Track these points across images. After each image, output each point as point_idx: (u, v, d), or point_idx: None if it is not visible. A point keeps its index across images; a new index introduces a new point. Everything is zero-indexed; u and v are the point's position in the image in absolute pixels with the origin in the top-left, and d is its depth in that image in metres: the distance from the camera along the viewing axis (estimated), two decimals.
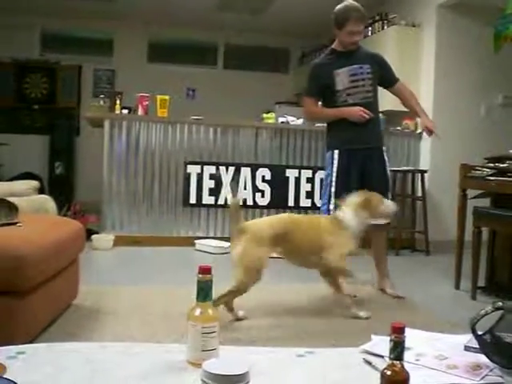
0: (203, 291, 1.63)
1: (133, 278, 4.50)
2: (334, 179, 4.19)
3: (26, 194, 4.08)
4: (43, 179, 8.57)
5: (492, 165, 4.23)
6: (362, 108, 4.10)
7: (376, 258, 4.41)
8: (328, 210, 4.18)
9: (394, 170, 6.42)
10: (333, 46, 4.31)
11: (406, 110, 6.74)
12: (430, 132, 4.27)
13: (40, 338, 2.74)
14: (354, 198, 3.61)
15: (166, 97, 6.11)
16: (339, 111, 4.17)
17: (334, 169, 4.20)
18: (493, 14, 5.88)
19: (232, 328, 3.16)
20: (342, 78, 4.14)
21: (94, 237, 5.68)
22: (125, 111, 6.16)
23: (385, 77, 4.33)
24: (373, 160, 4.22)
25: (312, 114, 4.49)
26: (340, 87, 4.15)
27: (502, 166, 4.11)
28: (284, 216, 3.65)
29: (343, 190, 4.06)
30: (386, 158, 4.32)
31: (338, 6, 4.16)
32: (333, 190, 4.18)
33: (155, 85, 7.65)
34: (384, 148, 4.34)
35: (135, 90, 6.47)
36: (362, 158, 4.18)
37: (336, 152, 4.21)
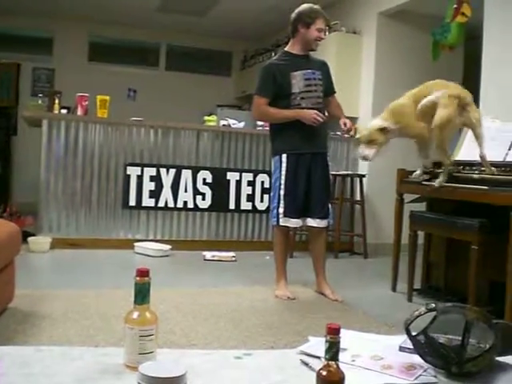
0: (141, 294, 1.62)
1: (70, 282, 4.42)
2: (282, 182, 4.22)
3: None
4: None
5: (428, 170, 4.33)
6: (316, 111, 4.14)
7: (314, 259, 4.45)
8: (277, 214, 4.21)
9: (333, 174, 6.51)
10: (286, 49, 4.38)
11: (345, 115, 6.87)
12: (349, 130, 4.32)
13: None
14: None
15: (107, 97, 6.02)
16: (296, 113, 4.17)
17: (283, 172, 4.22)
18: (432, 23, 6.03)
19: (171, 331, 3.14)
20: (297, 80, 4.19)
21: (30, 239, 5.54)
22: (64, 111, 6.04)
23: (327, 86, 4.40)
24: (318, 165, 4.28)
25: (265, 114, 4.35)
26: (296, 90, 4.18)
27: (437, 171, 4.21)
28: None
29: (292, 193, 4.15)
30: (329, 163, 4.39)
31: (303, 7, 4.25)
32: (282, 193, 4.21)
33: (96, 85, 7.54)
34: (328, 153, 4.41)
35: (75, 89, 6.36)
36: (309, 162, 4.23)
37: (284, 156, 4.23)
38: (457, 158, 4.23)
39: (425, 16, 6.59)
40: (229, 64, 10.71)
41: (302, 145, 4.23)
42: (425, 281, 4.61)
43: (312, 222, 4.28)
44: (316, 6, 4.28)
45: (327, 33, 4.48)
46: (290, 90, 4.18)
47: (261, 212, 6.49)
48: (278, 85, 4.20)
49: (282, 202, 4.20)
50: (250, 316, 3.60)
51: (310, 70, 4.24)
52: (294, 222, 4.26)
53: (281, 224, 4.23)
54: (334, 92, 4.53)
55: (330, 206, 4.36)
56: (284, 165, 4.23)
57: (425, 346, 1.77)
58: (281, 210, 4.20)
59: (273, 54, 8.75)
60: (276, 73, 4.22)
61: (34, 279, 4.37)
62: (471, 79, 7.06)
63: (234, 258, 5.70)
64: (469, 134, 4.24)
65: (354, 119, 6.89)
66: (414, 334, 1.78)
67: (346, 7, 7.32)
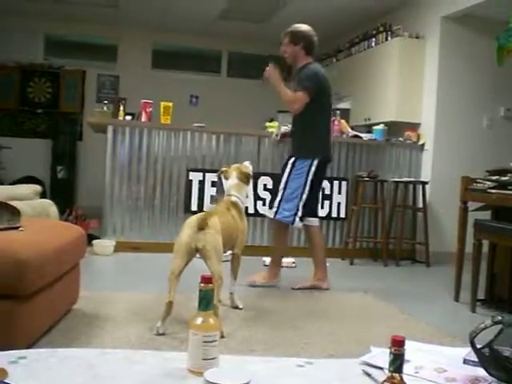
0: (205, 300, 1.64)
1: (133, 284, 4.50)
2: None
3: (28, 198, 4.09)
4: (45, 183, 8.59)
5: (493, 178, 4.24)
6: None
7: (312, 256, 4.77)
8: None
9: (395, 181, 6.45)
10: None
11: (408, 121, 6.81)
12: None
13: (40, 343, 2.75)
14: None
15: (170, 103, 6.12)
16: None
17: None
18: (496, 27, 5.90)
19: (231, 336, 3.16)
20: None
21: (94, 242, 5.68)
22: (128, 117, 6.16)
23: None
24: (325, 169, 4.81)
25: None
26: None
27: (503, 179, 4.12)
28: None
29: (312, 197, 4.64)
30: None
31: (310, 31, 4.78)
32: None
33: (159, 91, 7.66)
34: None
35: (139, 96, 6.48)
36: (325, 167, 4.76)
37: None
38: None
39: (489, 20, 6.46)
40: (290, 70, 10.70)
41: (329, 150, 4.71)
42: (488, 291, 4.50)
43: (315, 222, 4.73)
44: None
45: (284, 48, 4.98)
46: None
47: (321, 218, 6.44)
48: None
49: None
50: (310, 322, 3.59)
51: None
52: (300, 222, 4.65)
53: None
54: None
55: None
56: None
57: (490, 360, 1.73)
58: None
59: (334, 60, 8.74)
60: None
61: (97, 281, 4.47)
62: None
63: (294, 264, 5.69)
64: None
65: (416, 125, 6.82)
66: (478, 346, 1.75)
67: (409, 11, 7.24)
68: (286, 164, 4.70)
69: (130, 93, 7.83)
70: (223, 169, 4.02)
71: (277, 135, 5.39)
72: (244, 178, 3.90)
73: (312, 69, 4.68)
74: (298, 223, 4.57)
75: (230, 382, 1.34)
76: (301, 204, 4.51)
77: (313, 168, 4.53)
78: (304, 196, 4.51)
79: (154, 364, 1.71)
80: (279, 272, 4.78)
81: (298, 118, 4.68)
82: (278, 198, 4.58)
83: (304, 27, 4.76)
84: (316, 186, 4.63)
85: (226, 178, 3.92)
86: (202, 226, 3.16)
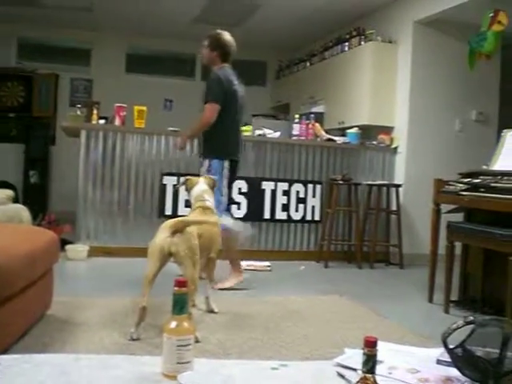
0: (179, 304, 1.64)
1: (107, 290, 4.47)
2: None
3: (0, 203, 4.05)
4: (18, 188, 8.48)
5: (465, 180, 4.29)
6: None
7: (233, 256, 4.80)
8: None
9: (369, 184, 6.50)
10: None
11: (381, 124, 6.88)
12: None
13: (14, 349, 2.71)
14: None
15: (144, 107, 6.09)
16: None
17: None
18: (468, 31, 5.99)
19: (206, 340, 3.15)
20: None
21: (68, 247, 5.64)
22: (102, 121, 6.13)
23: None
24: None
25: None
26: None
27: (475, 181, 4.16)
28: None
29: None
30: None
31: (229, 41, 4.92)
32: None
33: (133, 95, 7.63)
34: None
35: (113, 100, 6.43)
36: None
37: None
38: (494, 168, 4.18)
39: (461, 25, 6.54)
40: (264, 74, 10.74)
41: (237, 151, 4.84)
42: (462, 292, 4.55)
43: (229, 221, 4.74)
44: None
45: (203, 50, 5.12)
46: None
47: (296, 222, 6.49)
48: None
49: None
50: (285, 325, 3.60)
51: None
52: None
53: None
54: (207, 101, 4.86)
55: None
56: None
57: (462, 359, 1.75)
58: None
59: (308, 64, 8.78)
60: None
61: (71, 287, 4.43)
62: (508, 87, 7.01)
63: (269, 268, 5.70)
64: (506, 144, 4.20)
65: (389, 128, 6.87)
66: (451, 346, 1.77)
67: (382, 16, 7.30)
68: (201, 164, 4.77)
69: (103, 97, 7.78)
70: (187, 178, 4.01)
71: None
72: (212, 184, 3.93)
73: (216, 74, 4.84)
74: (227, 219, 4.62)
75: None
76: (223, 199, 4.62)
77: (225, 169, 4.66)
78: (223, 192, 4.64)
79: (128, 369, 1.70)
80: (241, 268, 4.83)
81: None
82: None
83: (225, 36, 4.89)
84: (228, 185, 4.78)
85: (191, 187, 3.89)
86: (176, 230, 3.14)
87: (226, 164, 4.67)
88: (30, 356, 1.85)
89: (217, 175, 4.42)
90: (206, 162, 4.67)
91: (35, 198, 8.60)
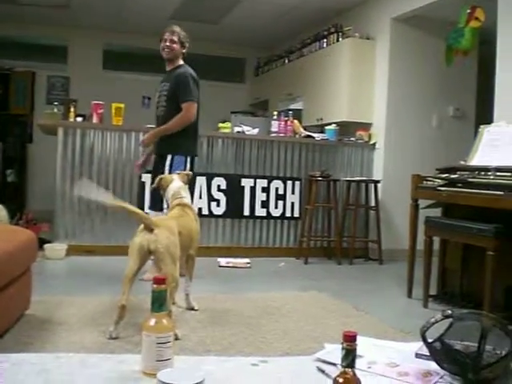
0: (158, 301, 1.63)
1: (86, 288, 4.44)
2: None
3: None
4: None
5: (443, 176, 4.32)
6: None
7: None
8: None
9: (348, 180, 6.52)
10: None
11: (359, 121, 6.91)
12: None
13: None
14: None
15: (121, 105, 6.05)
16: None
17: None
18: (445, 28, 6.02)
19: (186, 337, 3.15)
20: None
21: (46, 246, 5.59)
22: (79, 119, 6.08)
23: (178, 95, 4.68)
24: None
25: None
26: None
27: (452, 176, 4.20)
28: None
29: None
30: None
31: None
32: None
33: (110, 92, 7.57)
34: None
35: (90, 97, 6.38)
36: None
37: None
38: (472, 164, 4.22)
39: (438, 21, 6.58)
40: (242, 71, 10.73)
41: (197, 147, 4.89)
42: (440, 287, 4.59)
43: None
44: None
45: (173, 44, 4.85)
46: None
47: (275, 218, 6.50)
48: None
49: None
50: (265, 322, 3.60)
51: (162, 84, 4.83)
52: None
53: None
54: (184, 101, 4.66)
55: None
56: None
57: (441, 353, 1.77)
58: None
59: (286, 61, 8.79)
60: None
61: (50, 286, 4.40)
62: (485, 84, 7.07)
63: (248, 265, 5.71)
64: (483, 139, 4.23)
65: (367, 125, 6.90)
66: (430, 340, 1.78)
67: (360, 13, 7.33)
68: (160, 162, 4.76)
69: (81, 94, 7.72)
70: (161, 176, 3.96)
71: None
72: (186, 180, 3.90)
73: (189, 72, 4.76)
74: None
75: (184, 381, 1.34)
76: None
77: (188, 165, 4.67)
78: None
79: (107, 367, 1.69)
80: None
81: (167, 119, 4.71)
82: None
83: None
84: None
85: (166, 185, 3.84)
86: (148, 227, 3.13)
87: (189, 160, 4.70)
88: (9, 355, 1.83)
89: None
90: (168, 158, 4.68)
91: (12, 196, 8.51)
